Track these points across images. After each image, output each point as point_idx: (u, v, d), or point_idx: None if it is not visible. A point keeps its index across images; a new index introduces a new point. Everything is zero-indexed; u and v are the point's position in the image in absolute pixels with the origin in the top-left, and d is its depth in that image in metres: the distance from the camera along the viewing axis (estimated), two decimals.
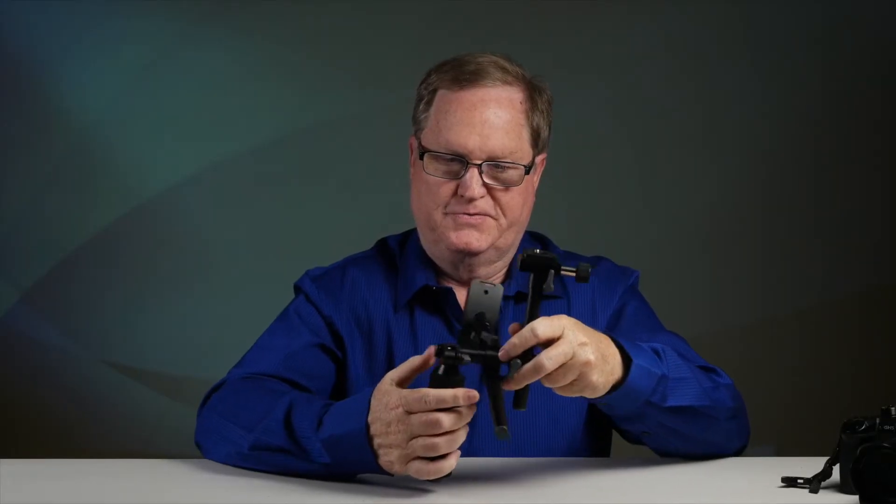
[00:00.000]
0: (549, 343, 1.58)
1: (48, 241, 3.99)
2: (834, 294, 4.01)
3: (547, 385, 1.60)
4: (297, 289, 2.07)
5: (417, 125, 1.99)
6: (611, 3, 3.97)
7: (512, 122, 1.94)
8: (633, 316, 2.02)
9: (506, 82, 1.95)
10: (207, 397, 1.91)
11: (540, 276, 1.63)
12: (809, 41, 3.99)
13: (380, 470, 1.63)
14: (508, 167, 1.93)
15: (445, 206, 1.94)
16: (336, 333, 2.00)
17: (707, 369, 1.88)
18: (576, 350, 1.58)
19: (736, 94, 4.00)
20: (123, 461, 1.89)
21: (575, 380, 1.60)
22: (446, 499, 1.62)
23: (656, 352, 1.76)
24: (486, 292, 1.59)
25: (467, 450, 1.93)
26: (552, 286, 1.64)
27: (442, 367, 1.55)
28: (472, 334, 1.57)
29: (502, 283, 2.01)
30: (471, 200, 1.92)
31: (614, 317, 2.02)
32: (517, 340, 1.57)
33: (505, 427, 1.49)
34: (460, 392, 1.55)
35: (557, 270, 1.63)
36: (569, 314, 1.88)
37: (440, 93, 1.96)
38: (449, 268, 2.00)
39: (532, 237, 2.10)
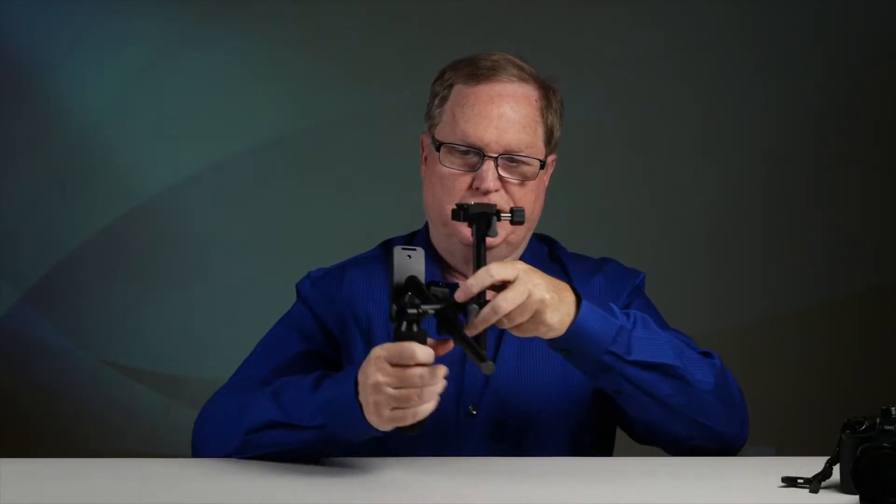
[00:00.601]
0: (504, 286, 1.65)
1: (48, 241, 3.99)
2: (834, 294, 4.01)
3: (504, 326, 1.66)
4: (297, 291, 2.07)
5: (431, 120, 2.00)
6: (611, 3, 3.98)
7: (528, 118, 1.95)
8: None
9: (522, 79, 1.97)
10: (201, 412, 1.94)
11: (482, 225, 1.71)
12: (809, 41, 3.99)
13: (366, 425, 1.66)
14: (524, 161, 1.94)
15: (460, 201, 1.92)
16: (331, 336, 2.01)
17: (703, 354, 1.89)
18: (531, 289, 1.65)
19: (736, 94, 4.00)
20: (123, 461, 1.89)
21: (531, 318, 1.66)
22: (446, 499, 1.62)
23: (626, 314, 1.80)
24: (409, 256, 1.63)
25: (469, 449, 1.93)
26: (497, 231, 1.73)
27: (405, 323, 1.59)
28: (408, 295, 1.60)
29: None
30: (486, 193, 1.92)
31: None
32: (473, 280, 1.63)
33: (490, 362, 1.53)
34: (430, 352, 1.60)
35: (498, 216, 1.73)
36: None
37: (456, 87, 1.97)
38: (461, 263, 2.00)
39: (538, 238, 2.10)
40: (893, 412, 1.56)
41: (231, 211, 4.00)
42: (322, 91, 4.00)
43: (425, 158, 2.02)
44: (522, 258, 2.02)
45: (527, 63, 2.00)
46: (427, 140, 2.01)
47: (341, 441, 1.74)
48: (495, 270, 1.64)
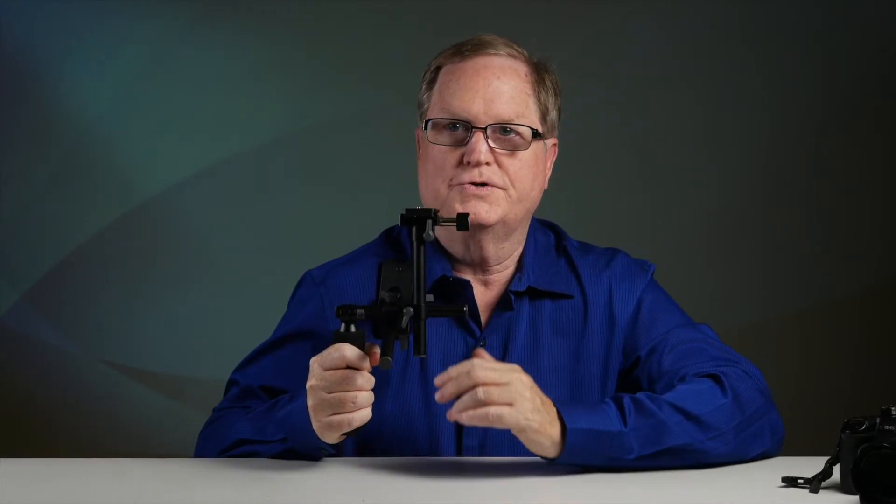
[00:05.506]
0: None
1: (48, 241, 3.98)
2: (834, 294, 4.01)
3: (477, 398, 1.64)
4: (295, 294, 2.01)
5: (421, 108, 1.95)
6: (611, 3, 3.97)
7: (517, 89, 1.89)
8: (649, 314, 2.00)
9: (511, 55, 1.92)
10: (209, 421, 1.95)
11: (421, 226, 1.66)
12: (809, 41, 3.99)
13: (318, 437, 1.68)
14: (515, 128, 1.88)
15: (451, 179, 1.87)
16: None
17: (715, 378, 1.86)
18: (512, 378, 1.65)
19: (736, 93, 4.00)
20: (123, 461, 1.89)
21: (508, 405, 1.65)
22: (448, 498, 1.62)
23: (619, 403, 1.75)
24: (399, 269, 1.66)
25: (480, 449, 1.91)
26: (431, 235, 1.65)
27: (343, 324, 1.64)
28: (384, 308, 1.65)
29: (512, 276, 1.96)
30: (477, 166, 1.85)
31: (633, 317, 1.99)
32: (453, 384, 1.65)
33: (389, 358, 1.59)
34: (359, 352, 1.63)
35: (436, 220, 1.67)
36: (585, 313, 1.91)
37: (443, 69, 1.93)
38: (461, 248, 1.93)
39: (542, 225, 2.05)
40: (893, 412, 1.56)
41: (231, 211, 4.00)
42: (322, 91, 3.99)
43: (420, 151, 1.96)
44: (526, 248, 1.97)
45: (518, 44, 1.94)
46: (421, 133, 1.95)
47: (300, 456, 1.76)
48: (481, 374, 1.64)
